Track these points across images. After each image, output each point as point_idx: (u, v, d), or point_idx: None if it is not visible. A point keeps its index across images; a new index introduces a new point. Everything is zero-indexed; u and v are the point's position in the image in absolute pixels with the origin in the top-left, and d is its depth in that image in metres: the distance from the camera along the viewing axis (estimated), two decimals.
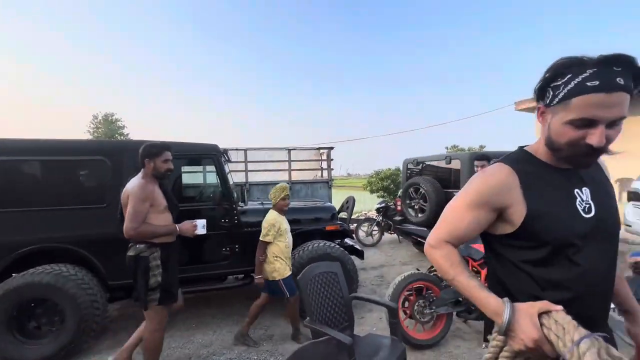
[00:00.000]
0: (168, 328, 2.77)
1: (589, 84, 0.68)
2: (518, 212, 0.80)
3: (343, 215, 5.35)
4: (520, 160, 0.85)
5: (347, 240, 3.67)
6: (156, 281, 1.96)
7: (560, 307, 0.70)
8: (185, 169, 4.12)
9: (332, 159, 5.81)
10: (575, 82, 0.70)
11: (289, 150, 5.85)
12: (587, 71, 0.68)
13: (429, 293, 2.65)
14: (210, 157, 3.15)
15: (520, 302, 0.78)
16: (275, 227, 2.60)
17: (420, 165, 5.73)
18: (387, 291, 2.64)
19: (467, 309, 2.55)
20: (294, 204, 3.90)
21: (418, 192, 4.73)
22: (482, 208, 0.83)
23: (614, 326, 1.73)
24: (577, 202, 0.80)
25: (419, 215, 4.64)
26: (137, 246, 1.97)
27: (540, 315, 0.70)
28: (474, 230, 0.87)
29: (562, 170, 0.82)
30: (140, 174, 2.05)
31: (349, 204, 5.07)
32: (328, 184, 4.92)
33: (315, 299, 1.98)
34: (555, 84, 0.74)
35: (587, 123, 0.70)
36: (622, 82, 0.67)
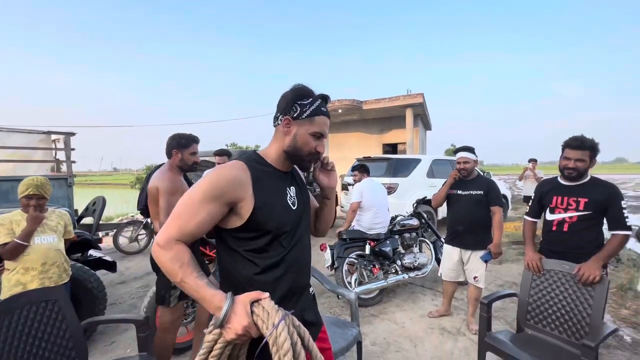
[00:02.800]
0: None
1: (322, 109, 0.98)
2: (247, 205, 0.89)
3: (88, 220, 4.20)
4: (253, 160, 0.97)
5: (92, 252, 2.90)
6: None
7: (267, 295, 0.81)
8: None
9: (73, 149, 4.37)
10: (316, 105, 0.96)
11: None
12: (318, 100, 0.98)
13: None
14: None
15: (242, 285, 0.89)
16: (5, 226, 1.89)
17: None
18: (143, 302, 2.32)
19: None
20: None
21: None
22: (216, 202, 0.87)
23: (323, 280, 2.38)
24: (288, 198, 1.00)
25: None
26: None
27: (252, 304, 0.79)
28: (207, 225, 0.88)
29: (281, 172, 1.02)
30: (166, 166, 2.00)
31: (96, 207, 4.01)
32: (67, 181, 3.64)
33: (12, 348, 1.38)
34: (302, 102, 0.95)
35: (319, 136, 0.98)
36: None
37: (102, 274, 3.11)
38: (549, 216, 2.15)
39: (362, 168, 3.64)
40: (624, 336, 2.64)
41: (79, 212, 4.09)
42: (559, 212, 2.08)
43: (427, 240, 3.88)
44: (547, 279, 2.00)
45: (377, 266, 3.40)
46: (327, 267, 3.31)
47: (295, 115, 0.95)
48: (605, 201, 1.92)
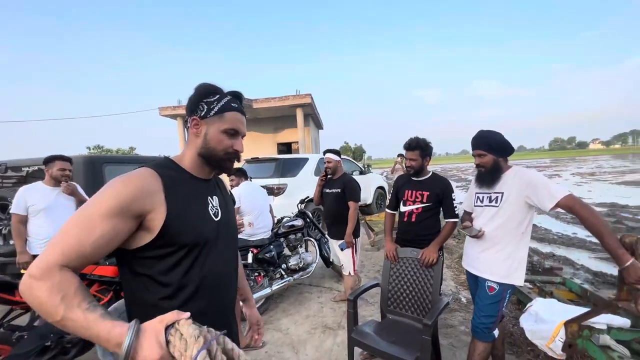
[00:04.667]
0: None
1: (233, 104, 0.92)
2: (159, 217, 0.79)
3: None
4: (165, 166, 0.87)
5: None
6: None
7: (186, 315, 0.66)
8: None
9: None
10: (225, 100, 0.90)
11: None
12: (228, 97, 0.92)
13: None
14: None
15: (153, 313, 0.71)
16: None
17: (26, 171, 4.19)
18: None
19: (62, 349, 2.08)
20: None
21: (6, 210, 3.37)
22: (122, 215, 0.74)
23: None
24: (210, 208, 0.91)
25: (11, 242, 3.32)
26: None
27: (168, 328, 0.64)
28: (108, 245, 0.73)
29: (200, 180, 0.93)
30: None
31: None
32: None
33: None
34: (208, 100, 0.89)
35: (234, 133, 0.91)
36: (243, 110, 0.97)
37: None
38: (402, 208, 2.40)
39: (239, 172, 3.45)
40: (462, 298, 3.25)
41: None
42: (409, 205, 2.35)
43: (312, 239, 3.95)
44: (402, 266, 2.22)
45: (261, 274, 3.24)
46: None
47: (202, 114, 0.89)
48: (441, 194, 2.26)
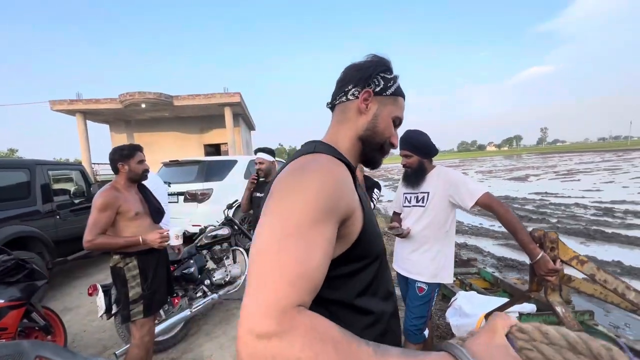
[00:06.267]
0: None
1: (402, 90, 0.75)
2: (358, 219, 0.60)
3: None
4: (336, 153, 0.66)
5: None
6: (136, 293, 1.91)
7: (514, 319, 0.42)
8: None
9: None
10: (398, 82, 0.73)
11: None
12: (398, 79, 0.74)
13: None
14: None
15: None
16: None
17: None
18: None
19: None
20: None
21: None
22: (334, 219, 0.53)
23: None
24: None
25: None
26: (113, 257, 1.95)
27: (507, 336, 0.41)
28: (327, 268, 0.50)
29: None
30: (108, 184, 1.98)
31: None
32: None
33: None
34: (386, 75, 0.72)
35: (399, 124, 0.75)
36: None
37: None
38: None
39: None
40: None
41: None
42: None
43: (240, 248, 3.61)
44: None
45: (178, 294, 2.78)
46: (101, 316, 2.39)
47: (378, 89, 0.70)
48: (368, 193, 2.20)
